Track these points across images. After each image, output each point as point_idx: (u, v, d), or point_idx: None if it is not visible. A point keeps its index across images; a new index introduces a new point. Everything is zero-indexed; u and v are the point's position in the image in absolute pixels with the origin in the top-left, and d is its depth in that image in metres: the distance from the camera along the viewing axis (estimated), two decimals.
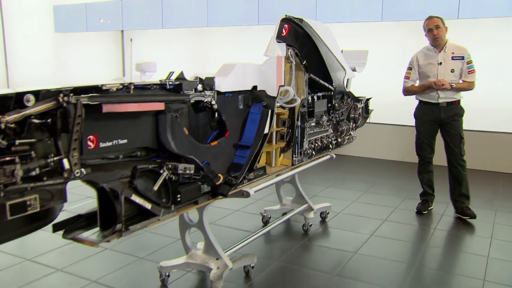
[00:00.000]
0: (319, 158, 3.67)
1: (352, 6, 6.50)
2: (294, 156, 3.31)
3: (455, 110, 4.22)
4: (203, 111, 2.57)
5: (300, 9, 6.83)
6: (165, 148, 2.23)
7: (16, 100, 1.54)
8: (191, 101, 2.38)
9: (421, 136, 4.37)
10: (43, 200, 1.65)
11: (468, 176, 4.27)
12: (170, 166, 2.19)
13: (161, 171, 2.14)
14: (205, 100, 2.44)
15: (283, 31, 3.11)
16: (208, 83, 2.46)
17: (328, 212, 4.18)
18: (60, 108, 1.66)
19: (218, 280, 2.71)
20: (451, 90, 4.12)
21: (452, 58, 4.16)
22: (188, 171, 2.24)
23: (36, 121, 1.59)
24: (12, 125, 1.51)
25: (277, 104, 3.02)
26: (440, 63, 4.17)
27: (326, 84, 3.67)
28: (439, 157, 4.50)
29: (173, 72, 2.31)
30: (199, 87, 2.41)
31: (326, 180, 5.55)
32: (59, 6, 9.39)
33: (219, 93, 2.60)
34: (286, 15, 3.08)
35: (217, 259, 2.84)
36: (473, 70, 4.15)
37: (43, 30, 9.98)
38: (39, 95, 1.60)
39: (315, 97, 3.54)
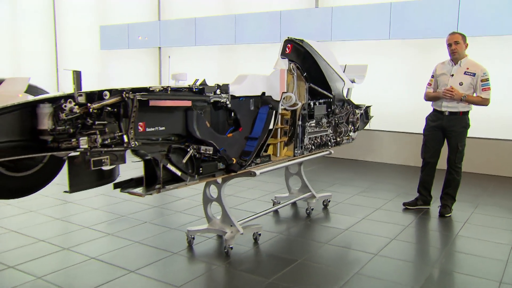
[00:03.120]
0: (318, 152, 4.46)
1: (362, 25, 7.29)
2: (295, 149, 4.12)
3: (457, 121, 4.56)
4: (221, 110, 3.43)
5: (317, 29, 7.67)
6: (192, 135, 3.10)
7: (98, 95, 2.43)
8: (211, 101, 3.23)
9: (424, 139, 4.85)
10: (111, 160, 2.53)
11: (463, 179, 4.70)
12: (195, 147, 3.05)
13: (188, 150, 3.00)
14: (222, 101, 3.30)
15: (287, 49, 3.95)
16: (224, 88, 3.32)
17: (329, 201, 4.94)
18: (123, 101, 2.55)
19: (231, 239, 3.54)
20: (461, 102, 4.46)
21: (465, 73, 4.48)
22: (208, 152, 3.10)
23: (108, 109, 2.48)
24: (95, 111, 2.41)
25: (282, 107, 3.85)
26: (452, 75, 4.54)
27: (325, 92, 4.46)
28: (443, 160, 4.87)
29: (198, 79, 3.18)
30: (218, 91, 3.27)
31: (333, 179, 6.30)
32: (105, 26, 10.60)
33: (234, 97, 3.46)
34: (288, 37, 3.92)
35: (231, 226, 3.66)
36: (488, 87, 4.44)
37: (90, 48, 11.24)
38: (111, 92, 2.49)
39: (317, 103, 4.34)
